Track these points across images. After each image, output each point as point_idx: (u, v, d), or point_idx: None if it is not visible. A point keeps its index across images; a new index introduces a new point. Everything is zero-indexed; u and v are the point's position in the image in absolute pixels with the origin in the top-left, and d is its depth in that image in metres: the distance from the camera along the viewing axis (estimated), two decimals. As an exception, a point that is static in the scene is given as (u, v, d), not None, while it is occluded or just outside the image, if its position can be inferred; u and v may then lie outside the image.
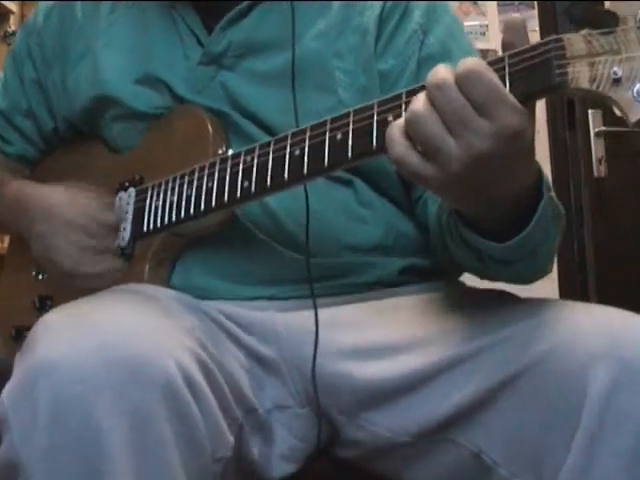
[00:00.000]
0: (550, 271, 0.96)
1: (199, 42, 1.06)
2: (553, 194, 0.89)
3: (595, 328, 0.82)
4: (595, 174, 2.60)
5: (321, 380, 0.97)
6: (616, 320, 0.84)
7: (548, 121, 2.64)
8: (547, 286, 2.54)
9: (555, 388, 0.81)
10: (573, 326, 0.84)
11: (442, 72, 0.78)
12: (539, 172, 0.85)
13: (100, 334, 0.78)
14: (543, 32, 2.59)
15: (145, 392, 0.76)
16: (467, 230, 0.88)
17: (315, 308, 0.97)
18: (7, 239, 2.54)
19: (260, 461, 0.98)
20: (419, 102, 0.78)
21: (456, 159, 0.76)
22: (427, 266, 1.06)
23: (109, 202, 1.09)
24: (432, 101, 0.77)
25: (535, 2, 2.70)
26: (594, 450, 0.77)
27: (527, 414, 0.83)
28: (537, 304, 0.90)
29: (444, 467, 0.92)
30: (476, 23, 2.71)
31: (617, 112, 0.75)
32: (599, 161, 2.58)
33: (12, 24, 2.77)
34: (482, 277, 0.98)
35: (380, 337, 0.96)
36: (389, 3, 1.06)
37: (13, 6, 2.77)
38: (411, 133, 0.78)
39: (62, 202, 1.08)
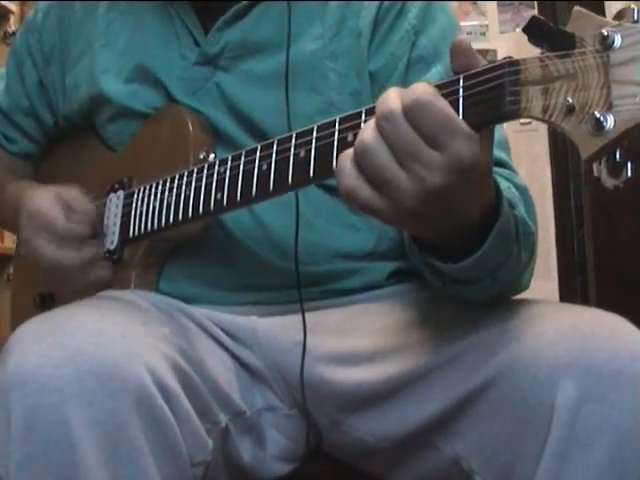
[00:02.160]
0: (527, 287, 0.93)
1: (196, 42, 1.06)
2: (519, 212, 0.86)
3: (562, 334, 0.80)
4: (595, 174, 2.60)
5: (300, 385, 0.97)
6: (585, 324, 0.81)
7: (548, 121, 2.64)
8: (547, 286, 2.56)
9: (522, 399, 0.79)
10: (538, 334, 0.81)
11: (391, 100, 0.72)
12: (498, 191, 0.81)
13: (72, 344, 0.78)
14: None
15: (117, 400, 0.77)
16: (421, 251, 0.85)
17: (303, 316, 0.97)
18: (7, 238, 2.54)
19: (253, 463, 0.99)
20: (368, 131, 0.73)
21: (408, 193, 0.72)
22: (413, 267, 1.05)
23: (101, 203, 1.10)
24: (380, 131, 0.72)
25: (535, 2, 2.70)
26: (564, 464, 0.76)
27: (497, 424, 0.82)
28: (507, 307, 0.88)
29: (427, 471, 0.92)
30: (476, 23, 2.71)
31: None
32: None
33: (12, 24, 2.77)
34: (448, 294, 0.93)
35: (360, 344, 0.96)
36: (385, 3, 1.04)
37: (13, 6, 2.78)
38: (360, 164, 0.73)
39: (42, 202, 1.07)
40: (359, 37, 1.03)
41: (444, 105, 0.71)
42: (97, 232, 1.06)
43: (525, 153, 2.63)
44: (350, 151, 0.74)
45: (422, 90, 0.72)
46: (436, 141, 0.71)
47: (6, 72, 1.25)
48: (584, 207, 2.60)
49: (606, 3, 2.56)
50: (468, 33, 2.66)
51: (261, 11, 1.05)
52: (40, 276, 1.16)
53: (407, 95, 0.72)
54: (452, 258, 0.82)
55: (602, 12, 2.50)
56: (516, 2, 2.71)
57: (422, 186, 0.72)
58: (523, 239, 0.86)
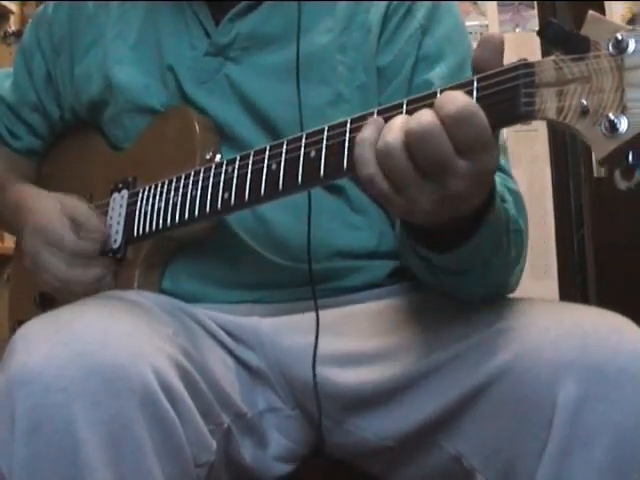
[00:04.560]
0: (514, 289, 0.94)
1: (206, 34, 1.07)
2: (509, 207, 0.87)
3: (564, 333, 0.80)
4: (595, 174, 2.60)
5: (304, 385, 0.97)
6: (587, 322, 0.81)
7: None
8: (547, 285, 2.56)
9: (524, 397, 0.79)
10: (540, 332, 0.81)
11: (424, 114, 0.72)
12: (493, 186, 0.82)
13: (77, 343, 0.78)
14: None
15: (121, 400, 0.76)
16: (414, 242, 0.85)
17: (317, 312, 0.97)
18: (7, 238, 2.55)
19: (254, 464, 0.99)
20: (394, 135, 0.73)
21: (427, 197, 0.73)
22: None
23: (104, 203, 1.10)
24: (409, 146, 0.72)
25: (535, 2, 2.70)
26: (565, 462, 0.76)
27: (499, 422, 0.82)
28: (509, 306, 0.88)
29: (429, 469, 0.92)
30: (476, 23, 2.71)
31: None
32: (599, 161, 2.58)
33: (12, 24, 2.78)
34: (439, 290, 0.94)
35: (363, 345, 0.96)
36: (395, 2, 1.05)
37: (13, 6, 2.78)
38: (381, 164, 0.74)
39: (49, 216, 1.05)
40: (368, 32, 1.04)
41: (484, 117, 0.71)
42: (105, 247, 1.05)
43: (525, 153, 2.63)
44: (368, 137, 0.75)
45: (466, 102, 0.72)
46: (469, 152, 0.72)
47: (14, 68, 1.25)
48: (584, 207, 2.61)
49: (606, 3, 2.56)
50: (468, 33, 2.67)
51: (273, 4, 1.06)
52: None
53: (448, 106, 0.72)
54: (442, 247, 0.82)
55: (602, 12, 2.51)
56: (516, 2, 2.72)
57: (444, 192, 0.73)
58: (513, 235, 0.87)
